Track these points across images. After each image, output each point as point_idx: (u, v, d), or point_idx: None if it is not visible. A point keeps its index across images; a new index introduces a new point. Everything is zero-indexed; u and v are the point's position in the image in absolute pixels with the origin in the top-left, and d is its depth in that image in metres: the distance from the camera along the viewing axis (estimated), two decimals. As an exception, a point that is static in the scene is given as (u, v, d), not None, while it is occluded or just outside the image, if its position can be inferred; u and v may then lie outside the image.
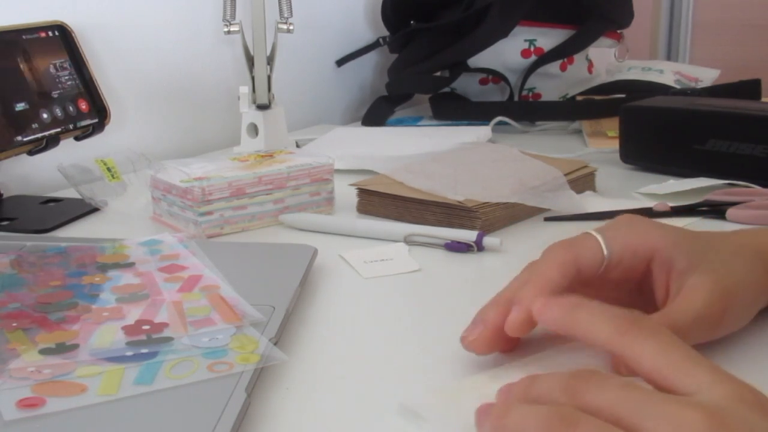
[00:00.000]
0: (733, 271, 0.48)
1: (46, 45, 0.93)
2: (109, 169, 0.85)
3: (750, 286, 0.49)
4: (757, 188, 0.81)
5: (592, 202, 0.81)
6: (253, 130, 1.10)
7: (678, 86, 1.33)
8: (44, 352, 0.47)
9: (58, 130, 0.91)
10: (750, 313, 0.50)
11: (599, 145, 1.11)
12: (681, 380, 0.35)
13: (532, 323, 0.45)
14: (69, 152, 0.93)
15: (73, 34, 0.97)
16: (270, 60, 1.10)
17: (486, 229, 0.72)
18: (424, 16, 1.37)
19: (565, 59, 1.33)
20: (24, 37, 0.90)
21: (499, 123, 1.22)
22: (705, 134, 0.89)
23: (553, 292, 0.45)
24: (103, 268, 0.60)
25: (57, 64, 0.94)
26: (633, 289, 0.50)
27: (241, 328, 0.50)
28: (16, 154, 0.87)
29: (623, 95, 1.26)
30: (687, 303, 0.46)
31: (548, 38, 1.30)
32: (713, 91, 1.19)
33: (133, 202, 0.84)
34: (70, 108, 0.94)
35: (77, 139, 0.95)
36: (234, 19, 1.08)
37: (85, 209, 0.84)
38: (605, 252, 0.48)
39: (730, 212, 0.76)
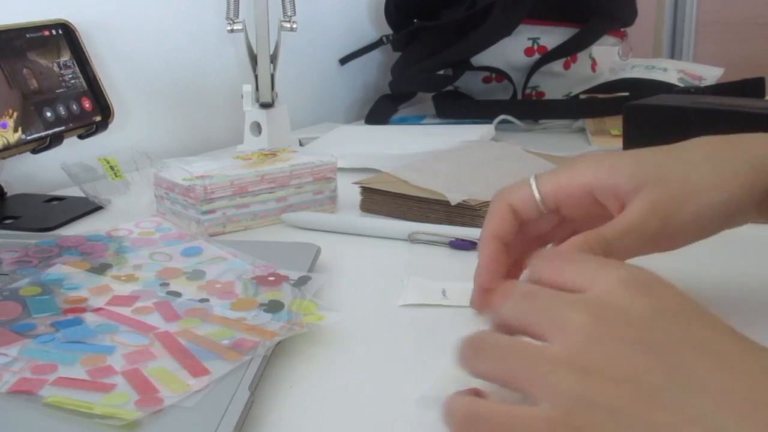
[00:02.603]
0: (690, 179, 0.47)
1: (49, 43, 0.93)
2: (112, 168, 0.86)
3: (710, 192, 0.47)
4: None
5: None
6: (257, 128, 1.10)
7: (682, 84, 1.33)
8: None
9: (62, 128, 0.91)
10: (712, 221, 0.48)
11: (603, 144, 1.11)
12: (572, 279, 0.37)
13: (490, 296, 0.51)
14: (72, 151, 0.93)
15: (77, 33, 0.97)
16: (273, 58, 1.10)
17: (489, 228, 0.72)
18: (427, 15, 1.37)
19: (569, 57, 1.33)
20: (28, 35, 0.90)
21: (503, 121, 1.22)
22: (709, 132, 0.88)
23: (500, 240, 0.51)
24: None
25: (61, 63, 0.94)
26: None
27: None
28: (20, 153, 0.87)
29: (627, 93, 1.25)
30: (619, 219, 0.46)
31: (552, 36, 1.30)
32: (717, 89, 1.19)
33: (136, 201, 0.84)
34: (74, 106, 0.94)
35: (81, 137, 0.96)
36: (237, 17, 1.08)
37: (88, 207, 0.84)
38: (536, 195, 0.50)
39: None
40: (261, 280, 0.58)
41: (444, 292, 0.58)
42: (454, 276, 0.65)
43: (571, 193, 0.49)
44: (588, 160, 0.50)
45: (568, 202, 0.50)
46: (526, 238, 0.53)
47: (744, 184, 0.47)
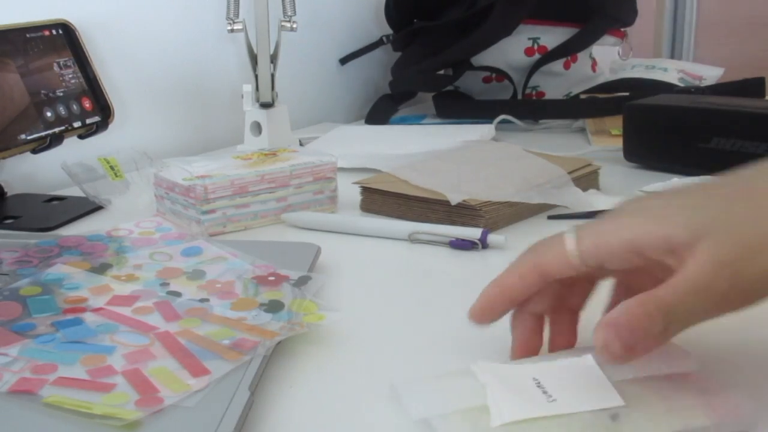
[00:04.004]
0: (762, 223, 0.39)
1: (50, 43, 0.93)
2: (112, 168, 0.86)
3: None
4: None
5: (595, 201, 0.81)
6: (257, 128, 1.10)
7: (682, 84, 1.33)
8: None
9: (62, 128, 0.91)
10: None
11: (603, 144, 1.11)
12: None
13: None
14: (73, 150, 0.93)
15: (77, 33, 0.97)
16: (273, 58, 1.10)
17: (490, 228, 0.72)
18: (428, 15, 1.37)
19: (569, 57, 1.33)
20: (28, 35, 0.90)
21: (503, 121, 1.22)
22: (709, 132, 0.89)
23: (513, 302, 0.45)
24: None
25: (61, 63, 0.94)
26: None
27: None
28: (20, 153, 0.87)
29: (627, 93, 1.25)
30: (680, 278, 0.39)
31: (552, 36, 1.30)
32: (717, 89, 1.19)
33: (136, 200, 0.84)
34: (74, 106, 0.94)
35: (81, 137, 0.96)
36: (237, 17, 1.08)
37: (88, 207, 0.84)
38: (573, 256, 0.43)
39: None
40: (261, 280, 0.58)
41: (539, 383, 0.42)
42: (455, 276, 0.65)
43: (613, 251, 0.42)
44: (633, 208, 0.43)
45: (613, 260, 0.42)
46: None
47: None
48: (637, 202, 0.43)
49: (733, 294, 0.38)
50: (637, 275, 0.44)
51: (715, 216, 0.39)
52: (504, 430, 0.39)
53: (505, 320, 0.47)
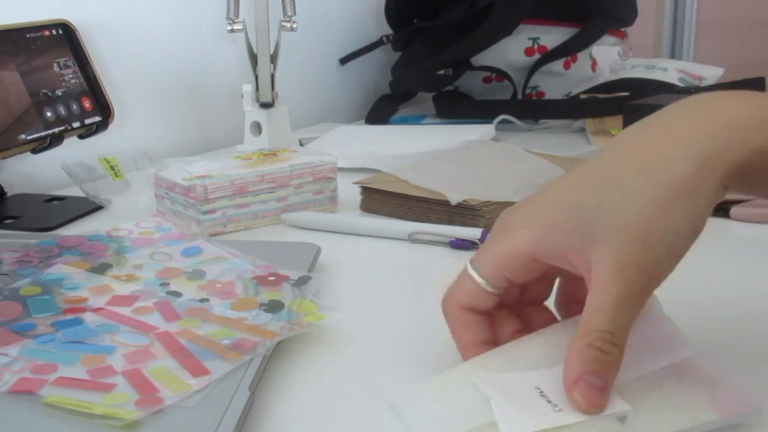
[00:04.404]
0: (641, 208, 0.39)
1: (50, 43, 0.93)
2: (112, 168, 0.86)
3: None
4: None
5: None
6: (257, 128, 1.10)
7: (682, 84, 1.33)
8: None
9: (62, 128, 0.91)
10: (687, 234, 0.40)
11: (603, 144, 1.11)
12: None
13: None
14: (73, 150, 0.93)
15: (77, 33, 0.97)
16: (273, 58, 1.10)
17: (490, 228, 0.72)
18: (427, 15, 1.37)
19: (569, 57, 1.33)
20: (28, 35, 0.90)
21: (503, 121, 1.22)
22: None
23: (476, 345, 0.45)
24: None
25: (61, 63, 0.94)
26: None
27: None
28: (20, 153, 0.87)
29: (627, 93, 1.26)
30: (597, 299, 0.39)
31: (552, 36, 1.30)
32: (717, 89, 1.18)
33: (137, 200, 0.84)
34: (74, 106, 0.94)
35: (81, 137, 0.96)
36: (237, 17, 1.08)
37: (88, 207, 0.84)
38: (480, 282, 0.43)
39: (734, 210, 0.76)
40: (261, 280, 0.58)
41: (542, 393, 0.41)
42: (455, 276, 0.65)
43: (513, 267, 0.42)
44: (517, 219, 0.43)
45: (518, 276, 0.43)
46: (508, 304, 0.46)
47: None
48: (519, 213, 0.43)
49: (652, 285, 0.39)
50: (553, 272, 0.44)
51: (598, 217, 0.39)
52: None
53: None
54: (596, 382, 0.38)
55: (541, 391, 0.41)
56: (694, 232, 0.40)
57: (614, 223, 0.39)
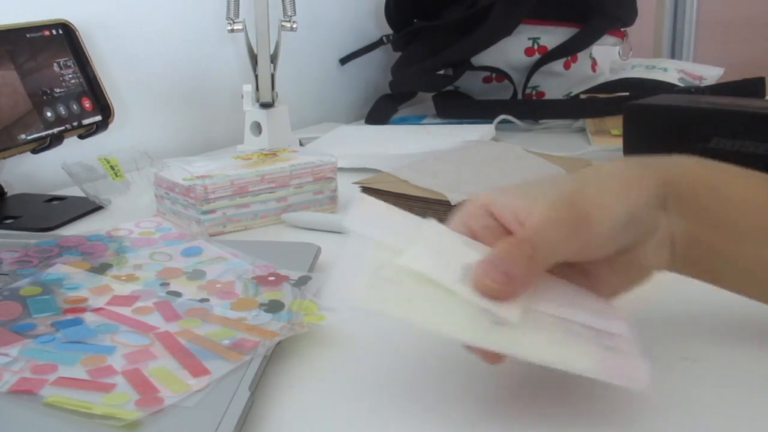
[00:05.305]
0: (586, 181, 0.46)
1: (50, 43, 0.93)
2: (112, 168, 0.86)
3: (609, 194, 0.45)
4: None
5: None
6: (257, 128, 1.10)
7: (682, 84, 1.33)
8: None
9: (62, 128, 0.91)
10: (620, 198, 0.45)
11: (603, 144, 1.11)
12: None
13: None
14: (73, 150, 0.93)
15: (77, 33, 0.97)
16: (274, 58, 1.10)
17: (489, 228, 0.72)
18: (427, 15, 1.37)
19: (569, 57, 1.33)
20: (28, 35, 0.90)
21: (503, 121, 1.22)
22: (709, 133, 0.89)
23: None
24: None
25: (61, 63, 0.94)
26: None
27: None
28: (20, 153, 0.87)
29: (627, 93, 1.25)
30: (529, 219, 0.43)
31: (552, 36, 1.30)
32: (717, 89, 1.19)
33: (137, 200, 0.84)
34: (74, 106, 0.94)
35: (81, 137, 0.96)
36: (238, 17, 1.08)
37: (88, 207, 0.84)
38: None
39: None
40: (261, 280, 0.58)
41: (466, 269, 0.42)
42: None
43: (472, 212, 0.46)
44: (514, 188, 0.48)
45: (476, 221, 0.47)
46: None
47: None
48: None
49: (580, 224, 0.43)
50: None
51: (546, 186, 0.46)
52: (398, 271, 0.41)
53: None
54: (499, 265, 0.41)
55: (467, 267, 0.42)
56: (627, 212, 0.44)
57: (557, 187, 0.46)
